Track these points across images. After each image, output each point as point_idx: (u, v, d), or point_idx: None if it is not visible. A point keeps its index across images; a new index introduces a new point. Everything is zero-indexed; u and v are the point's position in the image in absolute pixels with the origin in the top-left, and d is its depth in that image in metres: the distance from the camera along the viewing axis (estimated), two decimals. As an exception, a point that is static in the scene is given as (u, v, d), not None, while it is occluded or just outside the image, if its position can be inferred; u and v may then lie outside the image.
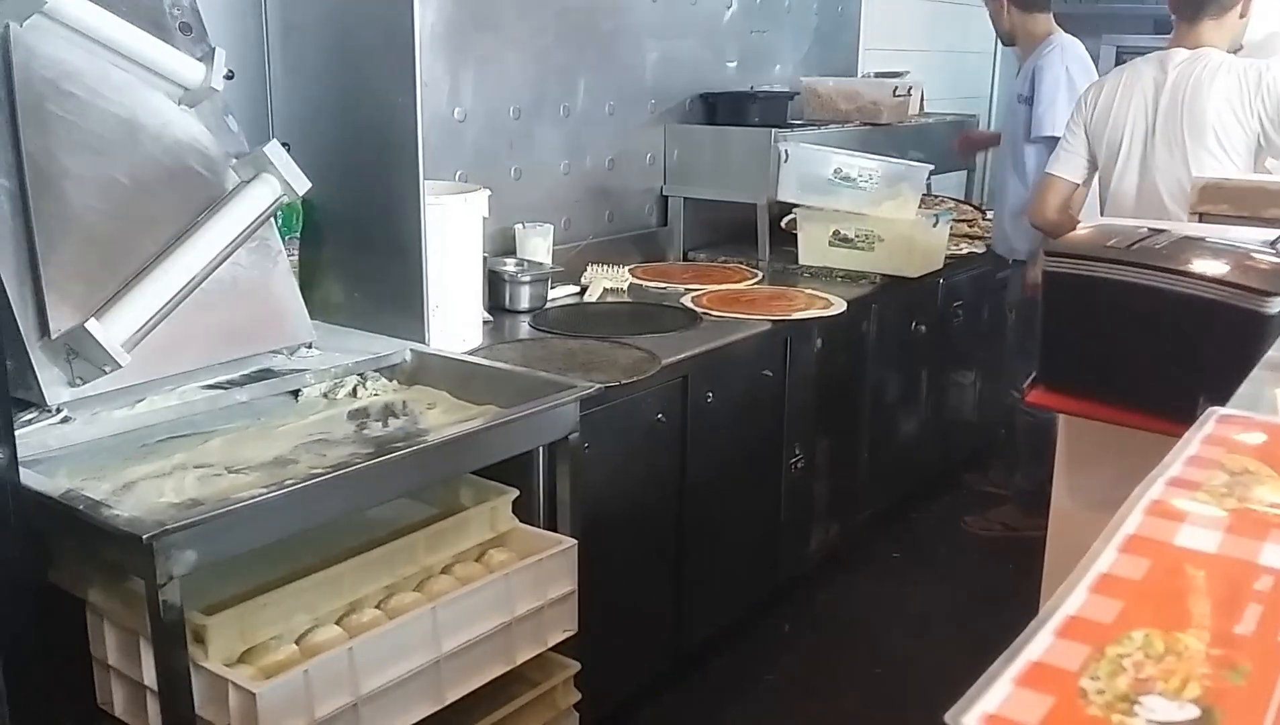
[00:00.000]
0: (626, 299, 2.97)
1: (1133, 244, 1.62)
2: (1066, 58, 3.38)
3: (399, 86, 2.05)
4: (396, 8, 2.03)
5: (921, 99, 4.10)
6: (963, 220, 3.96)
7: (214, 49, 1.96)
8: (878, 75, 4.08)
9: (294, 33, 2.24)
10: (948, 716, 0.48)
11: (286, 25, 2.24)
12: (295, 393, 1.95)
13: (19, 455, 1.42)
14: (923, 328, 3.43)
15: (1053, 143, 3.13)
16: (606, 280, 3.01)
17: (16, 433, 1.46)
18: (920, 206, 3.35)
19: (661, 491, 2.50)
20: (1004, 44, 3.77)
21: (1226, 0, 2.79)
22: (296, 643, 1.55)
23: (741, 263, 3.36)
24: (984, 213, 4.16)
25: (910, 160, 3.36)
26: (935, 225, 3.31)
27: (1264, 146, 2.69)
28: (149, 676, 1.49)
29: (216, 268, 1.85)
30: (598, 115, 3.18)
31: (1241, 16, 2.83)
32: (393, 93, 2.07)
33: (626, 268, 3.14)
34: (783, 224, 3.51)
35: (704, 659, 2.78)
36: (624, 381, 2.21)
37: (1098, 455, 1.66)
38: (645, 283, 3.08)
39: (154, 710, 1.51)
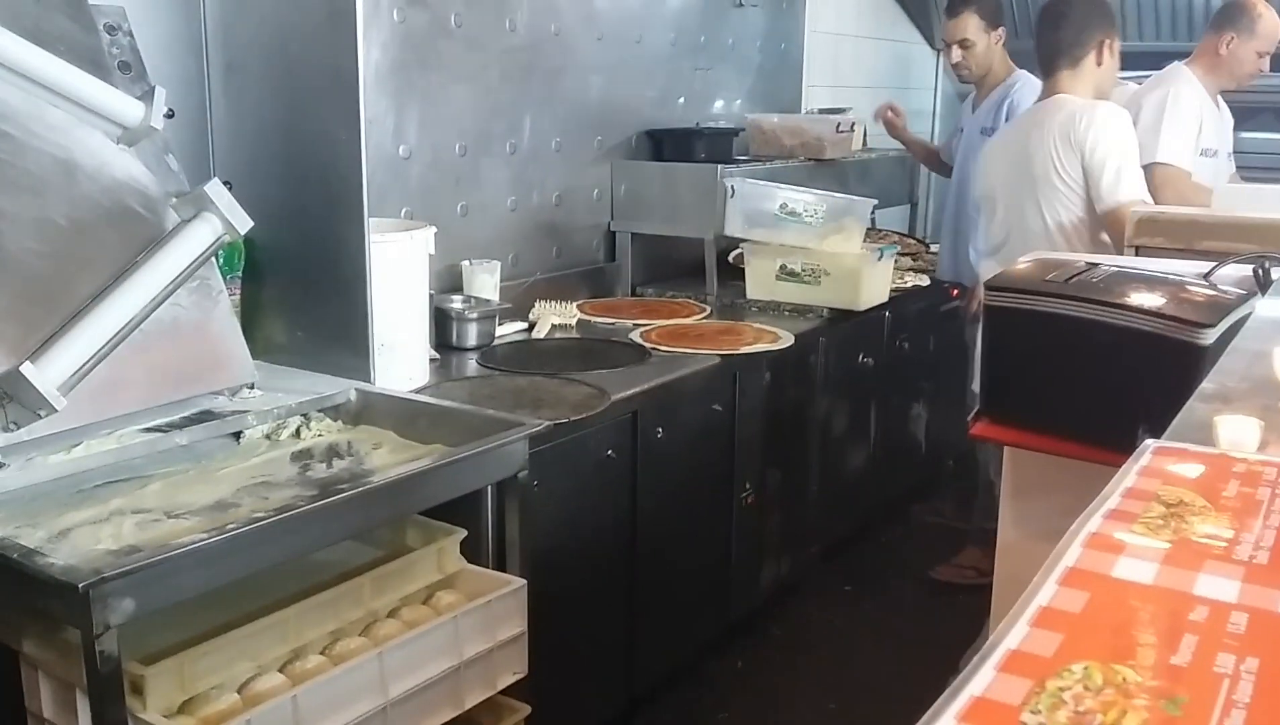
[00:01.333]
0: (575, 335, 2.97)
1: (1071, 277, 1.65)
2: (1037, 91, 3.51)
3: (343, 124, 2.04)
4: (340, 45, 2.03)
5: (864, 135, 4.16)
6: (907, 254, 4.01)
7: (154, 87, 1.94)
8: (821, 112, 4.14)
9: (235, 71, 2.22)
10: (893, 755, 0.48)
11: (228, 63, 2.22)
12: (237, 435, 1.92)
13: (-52, 504, 1.39)
14: (869, 360, 3.46)
15: None
16: (554, 316, 3.01)
17: (-54, 480, 1.42)
18: (865, 240, 3.39)
19: (612, 529, 2.49)
20: (966, 80, 3.79)
21: (1076, 51, 2.92)
22: (239, 691, 1.52)
23: (689, 297, 3.38)
24: (927, 246, 4.23)
25: (854, 195, 3.40)
26: (880, 259, 3.35)
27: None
28: (85, 730, 1.45)
29: (156, 308, 1.81)
30: (544, 152, 3.19)
31: (1099, 65, 2.94)
32: (337, 130, 2.06)
33: (574, 304, 3.14)
34: (730, 259, 3.54)
35: (657, 698, 2.76)
36: (573, 418, 2.20)
37: (1042, 486, 1.68)
38: (593, 319, 3.08)
39: (90, 764, 1.46)
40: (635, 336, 2.88)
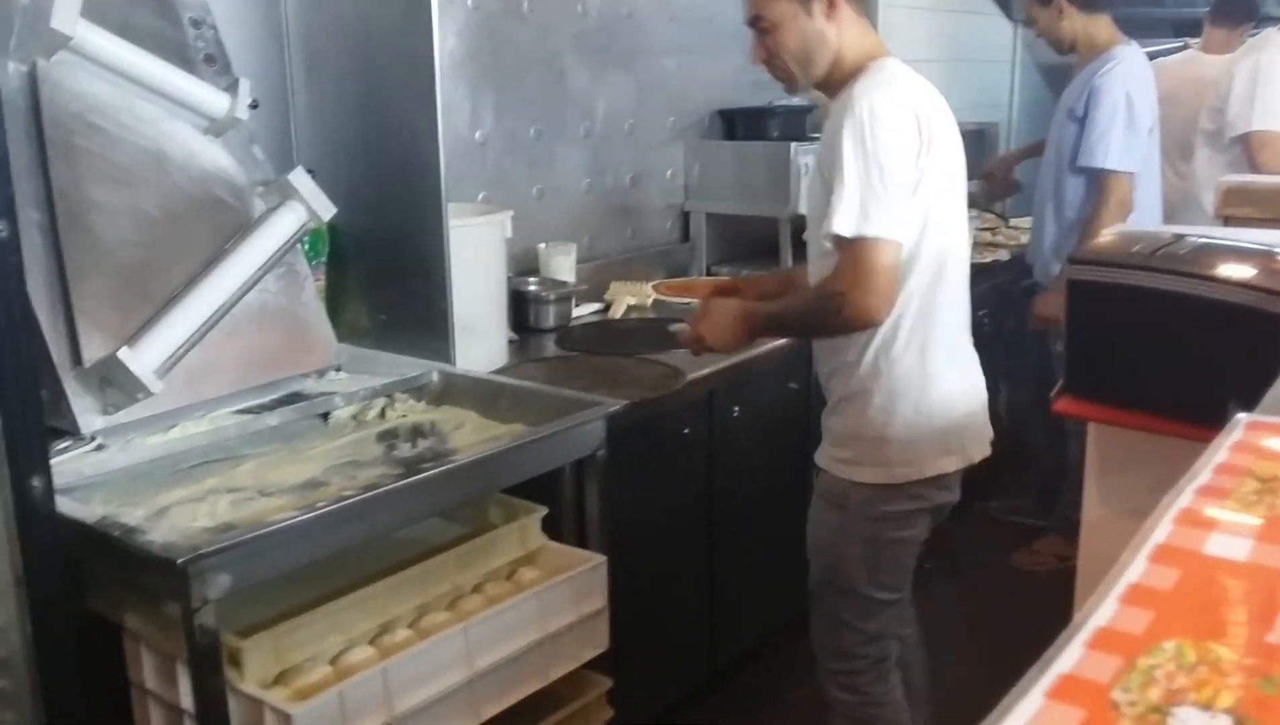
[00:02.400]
0: (650, 315, 2.98)
1: (1157, 250, 1.62)
2: (1129, 80, 3.07)
3: (420, 111, 2.08)
4: (417, 34, 2.05)
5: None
6: (985, 228, 3.95)
7: (238, 79, 1.99)
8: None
9: (316, 61, 2.27)
10: (978, 731, 0.48)
11: (309, 54, 2.27)
12: (325, 415, 1.97)
13: (55, 484, 1.45)
14: (947, 337, 3.42)
15: (1097, 177, 3.01)
16: (630, 297, 3.02)
17: (52, 461, 1.48)
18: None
19: (689, 506, 2.50)
20: (1060, 52, 3.34)
21: None
22: (331, 663, 1.57)
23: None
24: (1006, 220, 4.15)
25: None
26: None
27: None
28: (186, 700, 1.50)
29: (245, 294, 1.87)
30: (618, 134, 3.20)
31: None
32: (414, 117, 2.09)
33: (649, 284, 3.15)
34: (804, 236, 3.51)
35: (736, 674, 2.78)
36: (649, 397, 2.22)
37: (1128, 462, 1.65)
38: (668, 298, 3.09)
39: (191, 734, 1.52)
40: (710, 316, 2.88)
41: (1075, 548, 1.82)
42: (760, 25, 1.89)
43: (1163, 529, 0.63)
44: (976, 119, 4.32)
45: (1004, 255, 3.72)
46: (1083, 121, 3.10)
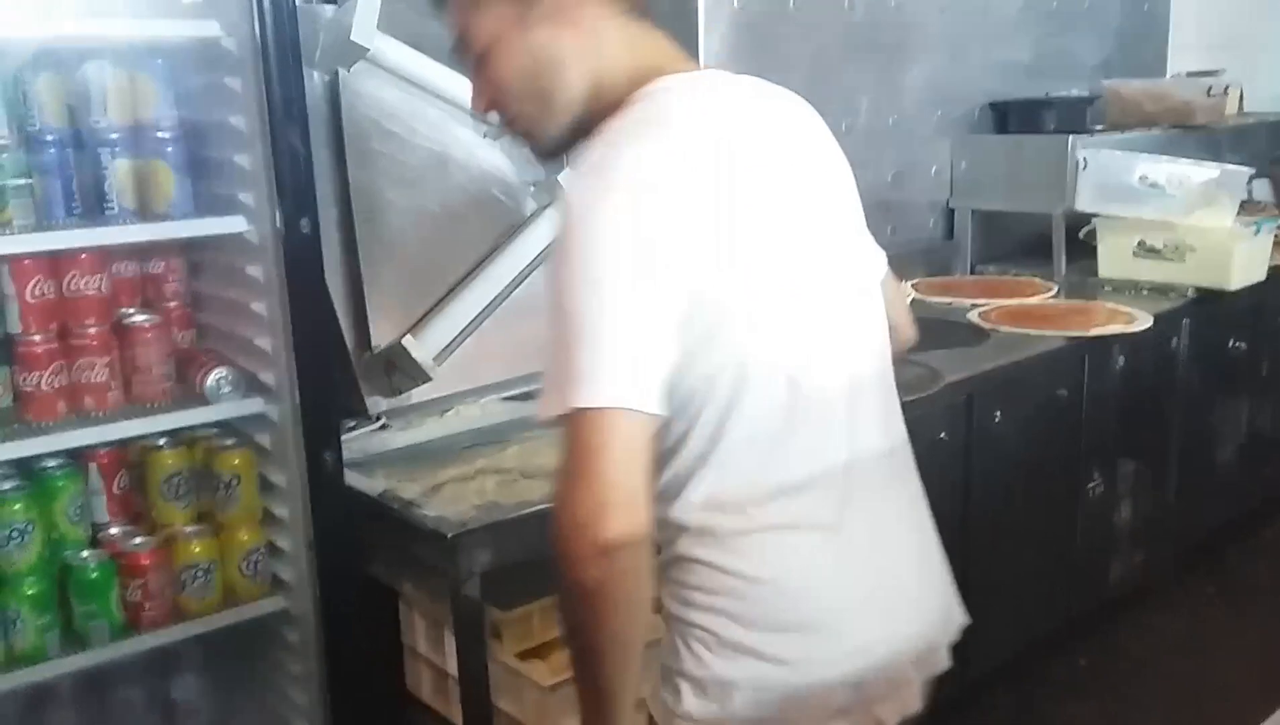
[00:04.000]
0: (910, 315, 2.91)
1: None
2: None
3: (683, 110, 2.12)
4: (681, 35, 2.09)
5: (1240, 97, 3.77)
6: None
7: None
8: (1190, 75, 3.79)
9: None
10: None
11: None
12: (584, 406, 2.04)
13: (344, 458, 1.59)
14: (1242, 345, 3.15)
15: None
16: (889, 296, 2.96)
17: (342, 438, 1.62)
18: (1239, 213, 3.07)
19: (943, 514, 2.40)
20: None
21: None
22: (583, 643, 1.63)
23: (1034, 276, 3.21)
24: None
25: (1226, 164, 3.10)
26: (1257, 233, 3.03)
27: None
28: (451, 665, 1.61)
29: (516, 288, 1.97)
30: (880, 129, 3.14)
31: None
32: (678, 117, 2.13)
33: (910, 282, 3.07)
34: (1081, 235, 3.33)
35: (989, 690, 2.67)
36: (904, 399, 2.16)
37: None
38: (929, 298, 3.01)
39: (456, 698, 1.63)
40: (974, 316, 2.78)
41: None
42: (469, 52, 1.18)
43: None
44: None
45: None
46: None
